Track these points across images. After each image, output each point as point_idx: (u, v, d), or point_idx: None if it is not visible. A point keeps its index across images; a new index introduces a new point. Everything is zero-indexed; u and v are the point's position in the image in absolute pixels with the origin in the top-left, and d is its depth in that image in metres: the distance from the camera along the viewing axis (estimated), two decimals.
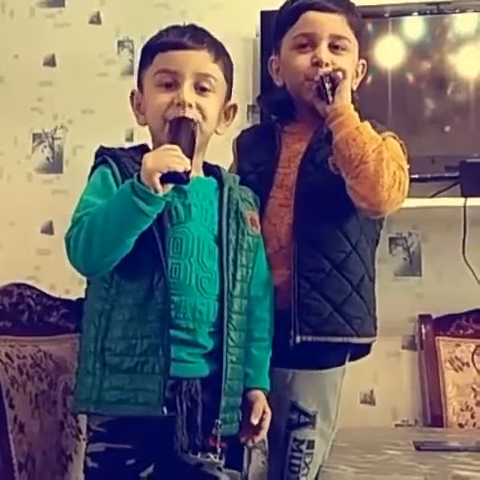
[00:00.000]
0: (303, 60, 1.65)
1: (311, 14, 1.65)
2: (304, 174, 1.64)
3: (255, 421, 1.48)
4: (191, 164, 1.38)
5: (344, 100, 1.58)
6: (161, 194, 1.35)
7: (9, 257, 2.58)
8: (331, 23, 1.65)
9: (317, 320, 1.59)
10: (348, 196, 1.57)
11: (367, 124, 1.56)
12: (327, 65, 1.63)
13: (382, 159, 1.52)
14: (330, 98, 1.58)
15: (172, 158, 1.36)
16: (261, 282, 1.57)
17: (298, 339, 1.58)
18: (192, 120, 1.46)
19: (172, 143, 1.40)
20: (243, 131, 1.88)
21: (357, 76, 1.73)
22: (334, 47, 1.65)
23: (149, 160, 1.35)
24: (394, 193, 1.54)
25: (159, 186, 1.34)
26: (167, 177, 1.35)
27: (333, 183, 1.58)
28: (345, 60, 1.65)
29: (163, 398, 1.37)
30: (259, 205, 1.63)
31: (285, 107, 1.74)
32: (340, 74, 1.60)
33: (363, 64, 1.74)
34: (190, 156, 1.39)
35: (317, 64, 1.63)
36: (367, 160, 1.51)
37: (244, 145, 1.79)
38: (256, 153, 1.73)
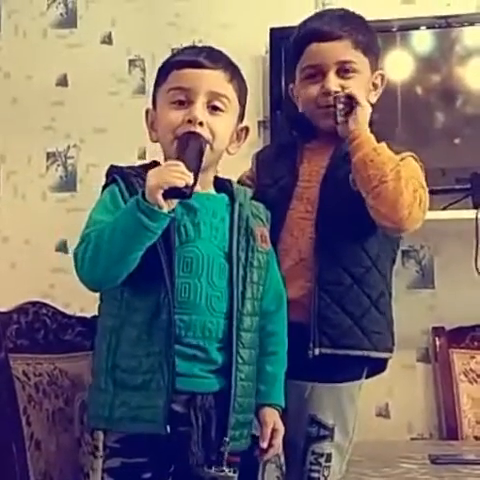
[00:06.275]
0: (313, 90, 1.67)
1: (315, 46, 1.66)
2: (326, 189, 1.66)
3: (264, 445, 1.49)
4: (197, 179, 1.38)
5: (359, 123, 1.59)
6: (165, 210, 1.36)
7: (24, 275, 2.60)
8: (336, 51, 1.65)
9: (336, 333, 1.60)
10: (369, 213, 1.58)
11: (384, 145, 1.58)
12: (336, 92, 1.63)
13: (400, 178, 1.53)
14: (339, 119, 1.59)
15: (172, 174, 1.36)
16: (273, 296, 1.57)
17: (317, 351, 1.58)
18: (201, 136, 1.46)
19: (178, 158, 1.40)
20: (265, 147, 1.89)
21: (376, 88, 1.74)
22: (344, 71, 1.66)
23: (151, 177, 1.36)
24: (415, 210, 1.55)
25: (162, 202, 1.34)
26: (169, 193, 1.35)
27: (355, 199, 1.59)
28: (355, 82, 1.66)
29: (167, 416, 1.38)
30: (270, 220, 1.61)
31: (306, 124, 1.75)
32: (352, 95, 1.60)
33: (381, 75, 1.74)
34: (195, 171, 1.39)
35: (326, 94, 1.65)
36: (386, 179, 1.53)
37: (264, 160, 1.81)
38: (277, 168, 1.75)
